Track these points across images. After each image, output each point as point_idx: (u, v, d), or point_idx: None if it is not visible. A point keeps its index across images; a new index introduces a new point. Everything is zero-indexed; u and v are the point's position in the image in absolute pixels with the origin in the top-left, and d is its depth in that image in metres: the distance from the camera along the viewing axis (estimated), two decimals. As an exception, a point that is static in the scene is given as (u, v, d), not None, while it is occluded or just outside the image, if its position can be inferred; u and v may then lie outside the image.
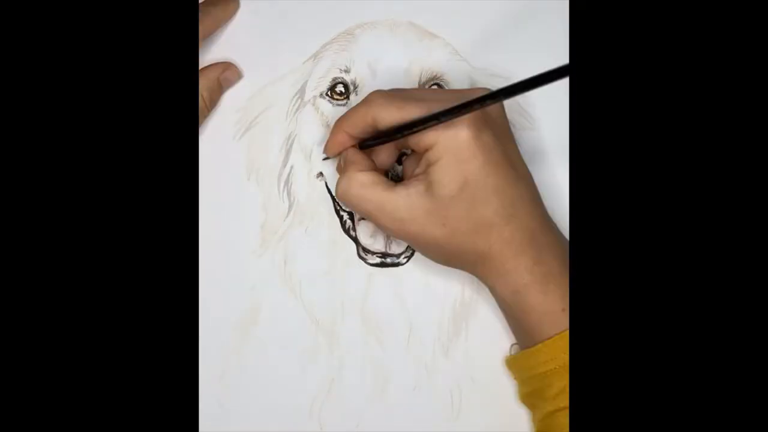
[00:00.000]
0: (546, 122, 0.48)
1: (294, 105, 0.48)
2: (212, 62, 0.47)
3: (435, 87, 0.47)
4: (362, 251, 0.46)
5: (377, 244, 0.46)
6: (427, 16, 0.48)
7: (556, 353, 0.40)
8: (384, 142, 0.41)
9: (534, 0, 0.48)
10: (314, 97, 0.47)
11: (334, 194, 0.46)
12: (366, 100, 0.41)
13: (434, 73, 0.47)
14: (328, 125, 0.47)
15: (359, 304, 0.46)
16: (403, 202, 0.40)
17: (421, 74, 0.47)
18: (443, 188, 0.39)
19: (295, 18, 0.48)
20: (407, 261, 0.46)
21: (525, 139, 0.47)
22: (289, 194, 0.47)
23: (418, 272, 0.47)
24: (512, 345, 0.45)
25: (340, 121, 0.42)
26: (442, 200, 0.39)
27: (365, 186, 0.41)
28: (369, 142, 0.42)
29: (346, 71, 0.47)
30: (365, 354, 0.46)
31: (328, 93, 0.47)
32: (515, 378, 0.44)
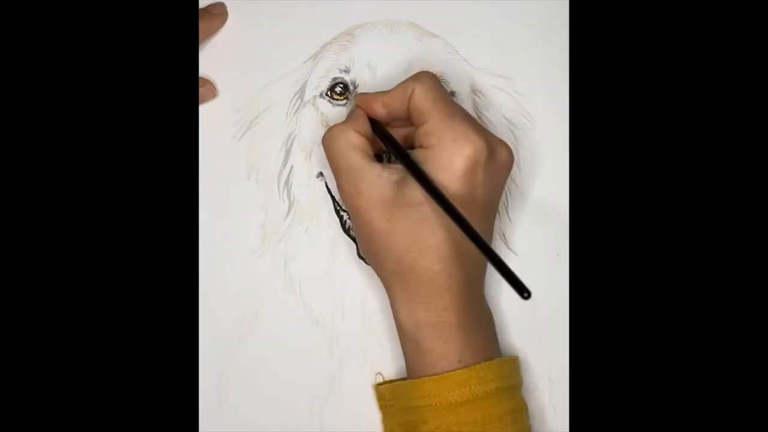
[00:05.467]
0: (546, 122, 0.48)
1: (294, 105, 0.48)
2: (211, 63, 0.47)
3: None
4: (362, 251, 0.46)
5: (377, 244, 0.46)
6: (427, 16, 0.48)
7: (441, 391, 0.39)
8: (390, 145, 0.42)
9: (534, 0, 0.48)
10: (314, 97, 0.47)
11: (333, 194, 0.46)
12: (414, 75, 0.41)
13: (434, 73, 0.47)
14: (328, 125, 0.47)
15: (359, 304, 0.46)
16: (370, 177, 0.40)
17: (421, 74, 0.47)
18: (411, 191, 0.39)
19: (295, 18, 0.48)
20: (407, 261, 0.46)
21: (525, 138, 0.47)
22: (289, 194, 0.47)
23: (418, 272, 0.46)
24: (377, 374, 0.45)
25: (383, 92, 0.42)
26: (402, 199, 0.39)
27: (350, 144, 0.41)
28: (383, 131, 0.42)
29: (346, 71, 0.47)
30: (365, 354, 0.46)
31: (328, 93, 0.47)
32: (386, 404, 0.43)
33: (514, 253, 0.47)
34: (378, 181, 0.40)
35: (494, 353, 0.41)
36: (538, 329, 0.46)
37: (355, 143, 0.41)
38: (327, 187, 0.47)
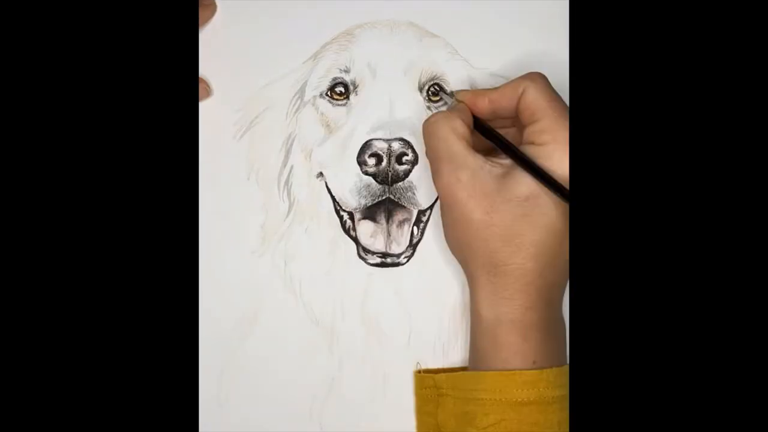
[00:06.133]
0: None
1: (294, 105, 0.48)
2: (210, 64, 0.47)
3: (435, 87, 0.47)
4: (362, 251, 0.46)
5: (377, 244, 0.46)
6: (427, 16, 0.48)
7: (509, 387, 0.39)
8: (497, 138, 0.41)
9: (534, 0, 0.48)
10: (314, 97, 0.47)
11: (333, 194, 0.46)
12: (526, 75, 0.41)
13: (434, 73, 0.47)
14: (327, 125, 0.47)
15: (359, 304, 0.46)
16: (472, 167, 0.40)
17: (421, 74, 0.47)
18: (516, 185, 0.39)
19: (295, 18, 0.48)
20: (407, 261, 0.46)
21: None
22: (289, 194, 0.47)
23: (418, 272, 0.46)
24: (417, 362, 0.45)
25: (491, 89, 0.42)
26: (506, 193, 0.39)
27: (455, 132, 0.40)
28: (488, 126, 0.42)
29: (346, 71, 0.47)
30: (365, 354, 0.46)
31: (328, 93, 0.47)
32: (442, 393, 0.43)
33: (514, 253, 0.47)
34: (481, 172, 0.40)
35: (564, 360, 0.41)
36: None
37: (460, 131, 0.41)
38: (327, 187, 0.47)
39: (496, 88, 0.42)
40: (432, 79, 0.47)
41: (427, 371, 0.45)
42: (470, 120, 0.42)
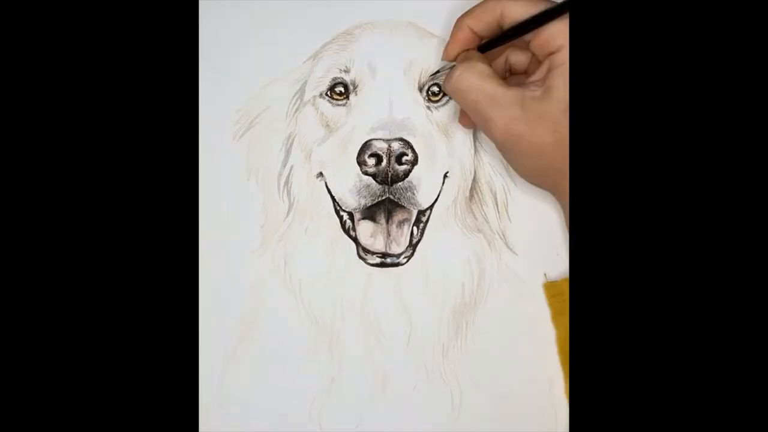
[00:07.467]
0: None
1: (294, 105, 0.48)
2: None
3: (435, 87, 0.47)
4: (362, 251, 0.46)
5: (377, 244, 0.46)
6: (427, 16, 0.48)
7: None
8: (508, 40, 0.41)
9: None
10: (314, 97, 0.47)
11: (332, 194, 0.46)
12: None
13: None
14: (327, 125, 0.47)
15: (359, 304, 0.46)
16: (518, 101, 0.39)
17: (421, 74, 0.47)
18: (563, 93, 0.39)
19: (296, 18, 0.48)
20: (407, 261, 0.46)
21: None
22: (289, 194, 0.47)
23: (418, 272, 0.46)
24: (544, 273, 0.46)
25: (463, 17, 0.42)
26: (558, 107, 0.39)
27: (484, 76, 0.40)
28: (491, 41, 0.41)
29: (346, 71, 0.47)
30: (365, 354, 0.46)
31: (328, 93, 0.47)
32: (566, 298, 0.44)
33: (514, 253, 0.47)
34: (526, 100, 0.39)
35: None
36: (538, 329, 0.46)
37: (486, 72, 0.40)
38: (327, 187, 0.47)
39: (467, 16, 0.42)
40: (432, 79, 0.47)
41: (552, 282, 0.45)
42: (482, 58, 0.41)
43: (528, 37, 0.40)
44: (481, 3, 0.41)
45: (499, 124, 0.40)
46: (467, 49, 0.43)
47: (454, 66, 0.41)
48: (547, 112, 0.39)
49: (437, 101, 0.47)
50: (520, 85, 0.41)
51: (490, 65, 0.41)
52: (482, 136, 0.47)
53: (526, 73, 0.43)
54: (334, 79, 0.47)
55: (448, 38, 0.48)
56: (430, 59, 0.47)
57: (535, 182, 0.42)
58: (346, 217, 0.47)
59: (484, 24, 0.41)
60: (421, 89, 0.47)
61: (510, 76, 0.44)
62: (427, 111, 0.46)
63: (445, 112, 0.47)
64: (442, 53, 0.44)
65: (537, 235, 0.47)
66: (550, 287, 0.46)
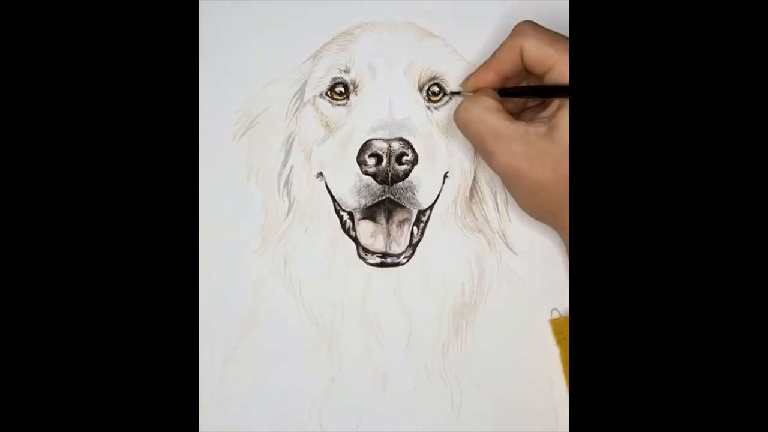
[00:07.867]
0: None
1: (294, 105, 0.48)
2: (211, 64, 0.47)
3: (435, 87, 0.47)
4: (362, 251, 0.46)
5: (377, 244, 0.46)
6: (427, 17, 0.48)
7: None
8: (527, 96, 0.42)
9: (534, 0, 0.48)
10: (314, 97, 0.47)
11: (333, 194, 0.46)
12: (514, 31, 0.42)
13: (434, 73, 0.47)
14: (327, 125, 0.47)
15: (359, 304, 0.46)
16: (521, 136, 0.40)
17: (421, 74, 0.47)
18: (564, 133, 0.39)
19: (296, 18, 0.48)
20: (407, 261, 0.46)
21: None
22: (289, 194, 0.47)
23: (418, 272, 0.46)
24: (553, 309, 0.46)
25: (489, 60, 0.43)
26: (560, 146, 0.39)
27: (489, 110, 0.41)
28: (511, 91, 0.42)
29: (346, 71, 0.47)
30: (365, 354, 0.46)
31: (328, 93, 0.47)
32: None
33: (515, 253, 0.47)
34: (529, 136, 0.40)
35: None
36: (538, 329, 0.46)
37: (491, 107, 0.41)
38: (327, 187, 0.47)
39: (492, 57, 0.42)
40: (432, 79, 0.47)
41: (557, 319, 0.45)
42: (495, 95, 0.42)
43: (542, 71, 0.41)
44: (503, 43, 0.42)
45: (500, 158, 0.40)
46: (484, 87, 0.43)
47: (464, 100, 0.42)
48: (548, 149, 0.39)
49: (437, 101, 0.47)
50: (533, 119, 0.41)
51: (500, 100, 0.42)
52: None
53: (543, 105, 0.44)
54: (334, 79, 0.47)
55: (448, 38, 0.48)
56: (430, 59, 0.47)
57: (536, 216, 0.43)
58: (346, 217, 0.47)
59: (506, 64, 0.42)
60: (421, 89, 0.47)
61: (526, 110, 0.45)
62: (427, 111, 0.46)
63: (445, 112, 0.47)
64: (462, 81, 0.45)
65: (537, 234, 0.47)
66: (556, 326, 0.46)
